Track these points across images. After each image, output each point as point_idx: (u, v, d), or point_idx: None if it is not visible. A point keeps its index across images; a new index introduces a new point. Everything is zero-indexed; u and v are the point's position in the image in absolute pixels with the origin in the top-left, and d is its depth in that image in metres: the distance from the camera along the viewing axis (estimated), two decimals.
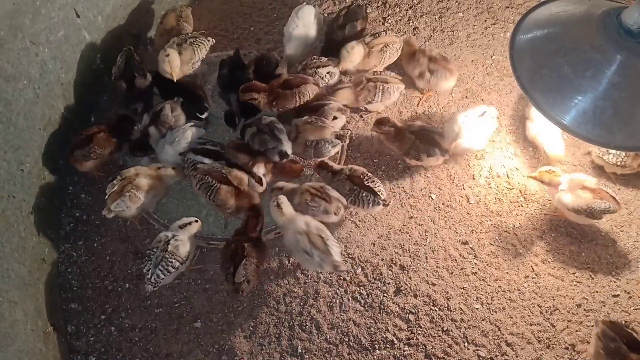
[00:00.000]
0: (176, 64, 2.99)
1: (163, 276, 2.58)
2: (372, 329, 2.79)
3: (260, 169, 2.87)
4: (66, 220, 3.05)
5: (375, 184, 2.80)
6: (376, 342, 2.77)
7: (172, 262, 2.58)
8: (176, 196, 3.04)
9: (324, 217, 2.77)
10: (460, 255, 2.98)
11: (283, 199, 2.69)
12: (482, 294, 2.89)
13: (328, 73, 3.11)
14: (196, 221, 2.74)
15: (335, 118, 2.97)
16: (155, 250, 2.61)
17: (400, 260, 2.96)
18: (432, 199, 3.13)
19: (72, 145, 2.91)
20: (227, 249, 2.66)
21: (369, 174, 2.84)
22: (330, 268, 2.61)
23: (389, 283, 2.90)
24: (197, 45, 3.13)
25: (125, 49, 3.10)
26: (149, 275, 2.57)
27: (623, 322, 2.81)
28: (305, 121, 2.91)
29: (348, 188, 2.79)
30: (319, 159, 2.96)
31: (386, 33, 3.29)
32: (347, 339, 2.77)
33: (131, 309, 2.84)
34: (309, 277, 2.91)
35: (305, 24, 3.24)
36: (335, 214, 2.75)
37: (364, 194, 2.77)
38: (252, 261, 2.58)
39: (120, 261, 2.94)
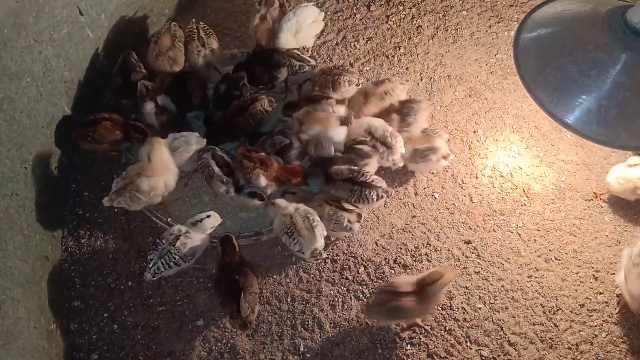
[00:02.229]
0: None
1: (163, 269, 2.60)
2: (374, 327, 2.79)
3: (260, 181, 2.75)
4: (69, 218, 3.05)
5: (367, 177, 2.72)
6: (378, 342, 2.76)
7: (174, 259, 2.59)
8: (179, 194, 3.04)
9: (345, 232, 2.78)
10: (463, 255, 2.97)
11: (279, 200, 2.76)
12: (484, 294, 2.88)
13: (300, 65, 3.07)
14: (208, 217, 2.72)
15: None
16: (164, 241, 2.62)
17: (402, 259, 2.95)
18: (435, 198, 3.12)
19: (80, 123, 2.92)
20: (219, 287, 2.63)
21: (354, 168, 2.76)
22: (309, 254, 2.63)
23: None
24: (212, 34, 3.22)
25: (125, 50, 3.11)
26: (151, 265, 2.59)
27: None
28: (306, 111, 2.83)
29: (349, 190, 2.73)
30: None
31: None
32: (349, 338, 2.77)
33: (134, 307, 2.84)
34: (312, 275, 2.91)
35: (300, 21, 3.17)
36: (357, 222, 2.71)
37: (366, 192, 2.70)
38: (249, 290, 2.55)
39: (123, 259, 2.94)
